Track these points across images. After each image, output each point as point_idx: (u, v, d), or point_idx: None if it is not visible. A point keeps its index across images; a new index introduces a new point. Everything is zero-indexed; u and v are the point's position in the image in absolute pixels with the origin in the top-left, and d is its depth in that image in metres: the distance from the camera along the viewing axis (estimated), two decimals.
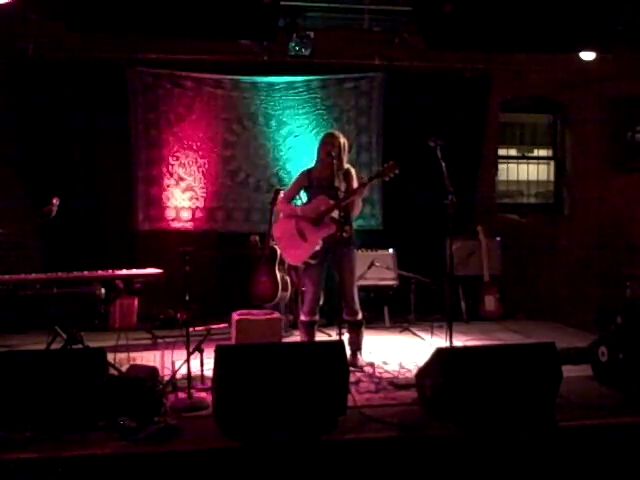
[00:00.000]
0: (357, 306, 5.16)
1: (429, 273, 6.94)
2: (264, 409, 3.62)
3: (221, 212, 7.40)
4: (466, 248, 7.14)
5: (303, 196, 5.42)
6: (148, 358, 5.10)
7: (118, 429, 3.57)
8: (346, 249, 5.03)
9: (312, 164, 5.27)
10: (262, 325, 5.58)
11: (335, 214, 4.89)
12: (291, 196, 5.38)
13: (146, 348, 5.64)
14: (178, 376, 4.39)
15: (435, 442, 3.65)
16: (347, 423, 3.77)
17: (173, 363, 4.57)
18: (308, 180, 5.22)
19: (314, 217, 5.07)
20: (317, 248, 5.07)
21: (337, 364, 3.81)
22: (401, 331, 6.58)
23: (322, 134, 5.37)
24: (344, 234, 4.87)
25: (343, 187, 5.05)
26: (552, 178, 8.54)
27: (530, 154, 8.62)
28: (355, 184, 5.12)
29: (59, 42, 6.70)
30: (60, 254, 6.86)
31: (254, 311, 5.86)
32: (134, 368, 4.43)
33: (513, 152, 8.53)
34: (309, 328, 5.21)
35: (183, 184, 7.32)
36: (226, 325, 6.10)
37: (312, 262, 5.11)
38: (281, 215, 5.44)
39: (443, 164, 4.97)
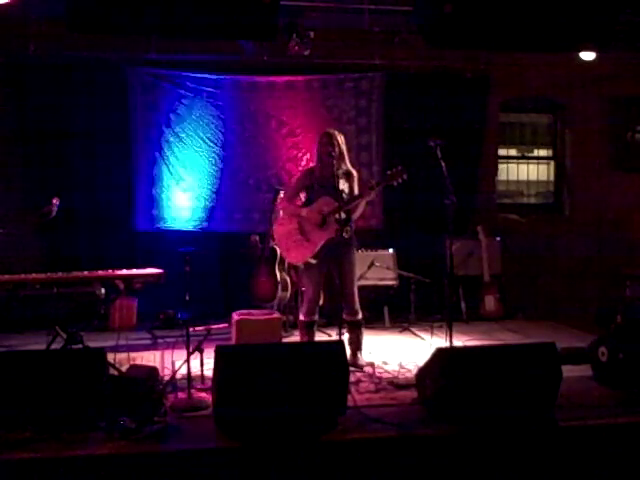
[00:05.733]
0: (357, 306, 5.16)
1: (429, 273, 6.94)
2: (264, 409, 3.61)
3: (221, 212, 7.39)
4: (466, 248, 7.14)
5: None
6: (148, 358, 5.10)
7: (118, 429, 3.57)
8: (346, 249, 5.03)
9: (313, 164, 5.26)
10: (262, 325, 5.59)
11: (337, 214, 4.90)
12: (293, 195, 5.36)
13: (146, 348, 5.65)
14: (178, 376, 4.40)
15: (435, 442, 3.65)
16: (347, 423, 3.77)
17: (173, 363, 4.57)
18: (310, 179, 5.21)
19: (318, 218, 5.07)
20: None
21: (337, 364, 3.81)
22: (401, 331, 6.58)
23: (320, 134, 5.36)
24: (345, 235, 4.88)
25: (347, 189, 5.06)
26: (552, 178, 8.54)
27: (530, 154, 8.62)
28: (357, 188, 5.12)
29: (59, 42, 6.67)
30: (60, 254, 6.86)
31: (254, 311, 5.87)
32: (134, 368, 4.44)
33: (513, 152, 8.52)
34: (308, 328, 5.20)
35: (183, 184, 7.31)
36: (226, 325, 6.10)
37: (312, 262, 5.11)
38: (281, 213, 5.42)
39: (443, 164, 4.97)
